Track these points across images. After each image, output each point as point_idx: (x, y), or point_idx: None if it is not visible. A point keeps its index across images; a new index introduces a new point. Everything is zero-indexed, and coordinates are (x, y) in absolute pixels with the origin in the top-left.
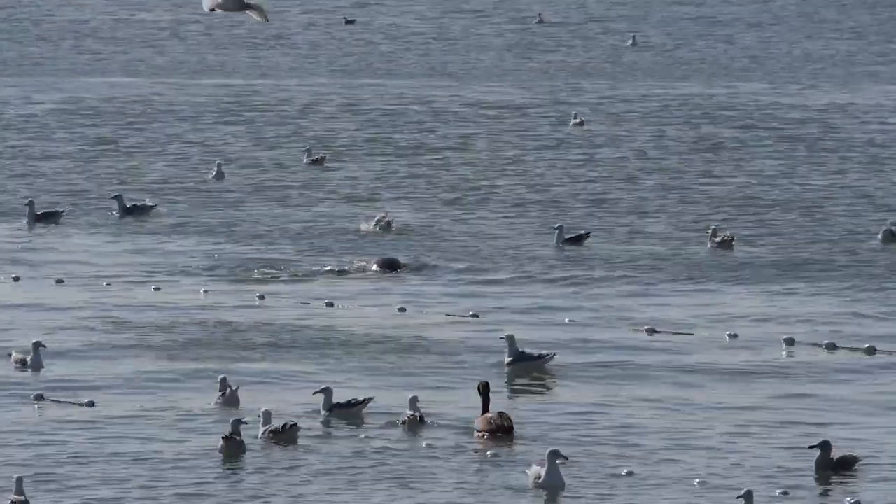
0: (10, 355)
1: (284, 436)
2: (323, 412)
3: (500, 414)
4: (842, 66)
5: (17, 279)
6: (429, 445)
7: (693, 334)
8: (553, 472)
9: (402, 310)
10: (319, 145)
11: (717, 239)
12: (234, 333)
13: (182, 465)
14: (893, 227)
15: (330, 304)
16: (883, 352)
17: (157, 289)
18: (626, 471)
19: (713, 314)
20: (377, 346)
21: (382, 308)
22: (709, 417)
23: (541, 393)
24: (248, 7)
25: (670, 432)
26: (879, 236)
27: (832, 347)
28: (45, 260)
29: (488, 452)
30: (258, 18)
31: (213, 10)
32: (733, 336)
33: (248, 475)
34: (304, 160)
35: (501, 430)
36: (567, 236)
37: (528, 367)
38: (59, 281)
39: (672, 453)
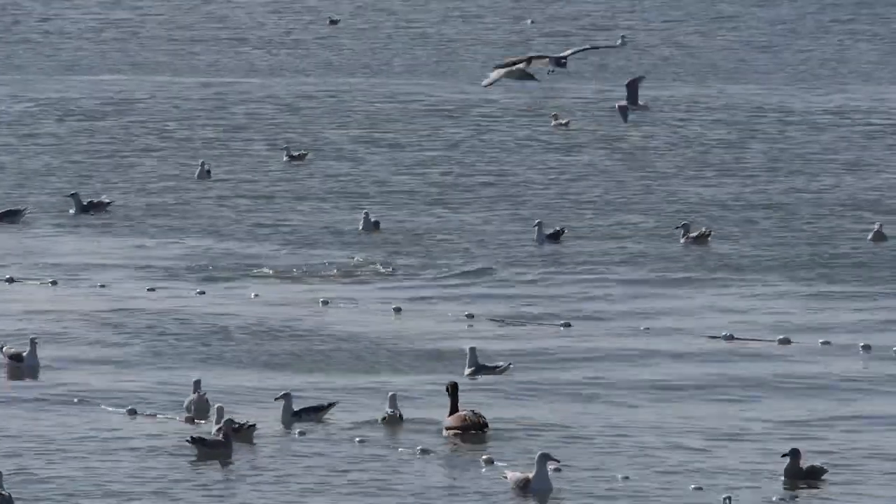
0: (1, 348)
1: (240, 435)
2: (283, 418)
3: (474, 412)
4: (831, 67)
5: (11, 280)
6: (404, 447)
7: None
8: (542, 475)
9: (398, 310)
10: (302, 143)
11: (693, 234)
12: (224, 333)
13: (157, 465)
14: (883, 229)
15: (325, 303)
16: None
17: (151, 289)
18: (621, 476)
19: (705, 313)
20: (367, 345)
21: (375, 308)
22: (705, 420)
23: (526, 395)
24: (530, 76)
25: (665, 436)
26: (870, 236)
27: (827, 345)
28: (10, 260)
29: (463, 454)
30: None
31: (492, 84)
32: (729, 337)
33: (219, 476)
34: (284, 157)
35: (476, 427)
36: (546, 232)
37: (489, 377)
38: (54, 283)
39: (666, 455)
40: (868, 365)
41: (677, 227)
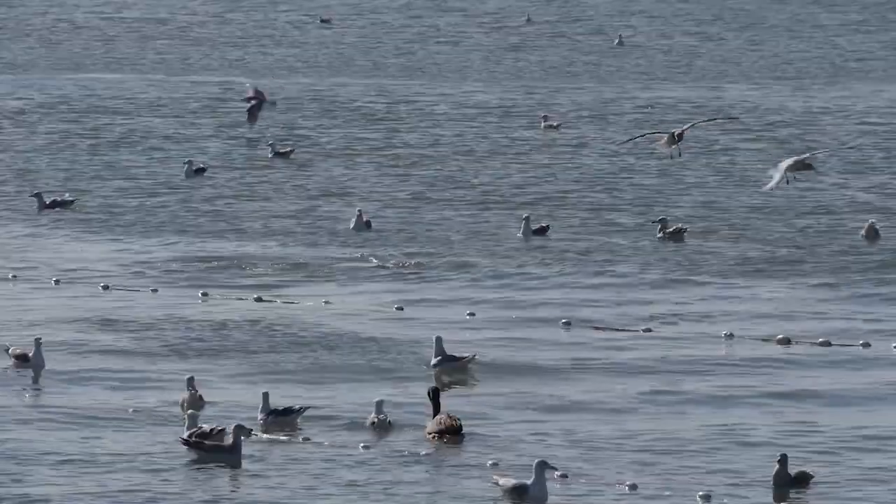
0: (7, 350)
1: (212, 439)
2: (260, 416)
3: (449, 416)
4: (825, 66)
5: (15, 277)
6: (390, 451)
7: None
8: (540, 483)
9: (400, 308)
10: (289, 141)
11: (669, 230)
12: (224, 334)
13: (147, 467)
14: (876, 225)
15: (327, 302)
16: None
17: (154, 290)
18: (627, 483)
19: (704, 309)
20: (369, 345)
21: (377, 307)
22: (705, 422)
23: (528, 397)
24: (809, 166)
25: (666, 439)
26: (863, 233)
27: (826, 345)
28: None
29: (449, 459)
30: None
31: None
32: (729, 336)
33: (202, 480)
34: (269, 154)
35: (450, 431)
36: (532, 227)
37: (454, 368)
38: (57, 282)
39: (668, 461)
40: (865, 365)
41: (654, 222)
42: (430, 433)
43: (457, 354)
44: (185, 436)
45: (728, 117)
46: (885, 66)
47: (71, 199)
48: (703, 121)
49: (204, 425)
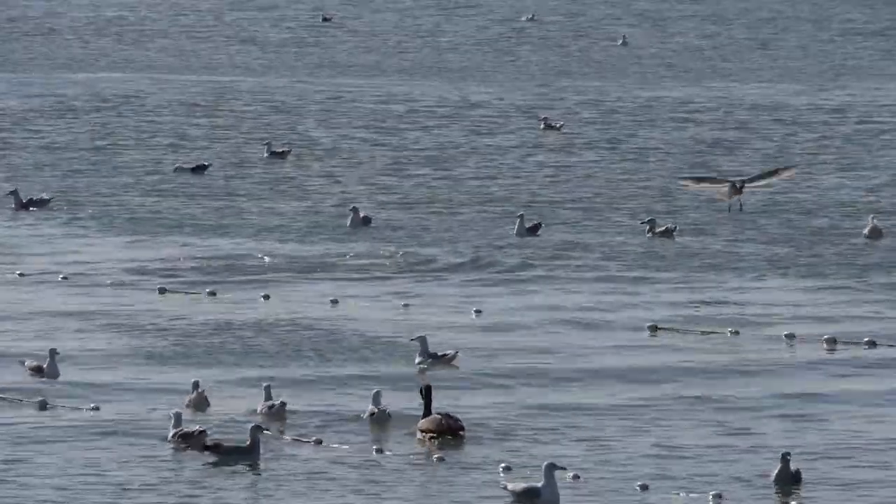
0: (23, 363)
1: (194, 440)
2: (261, 407)
3: (448, 415)
4: (829, 65)
5: (21, 275)
6: (398, 452)
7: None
8: (550, 485)
9: (406, 306)
10: (290, 141)
11: (659, 230)
12: (230, 334)
13: (154, 471)
14: (878, 225)
15: (335, 301)
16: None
17: (162, 290)
18: (638, 483)
19: (706, 309)
20: (376, 344)
21: (383, 305)
22: (714, 421)
23: (535, 400)
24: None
25: (676, 439)
26: (866, 231)
27: (832, 343)
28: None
29: (458, 462)
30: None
31: None
32: (735, 333)
33: (209, 481)
34: (265, 154)
35: (451, 432)
36: (526, 225)
37: (438, 366)
38: (65, 277)
39: (679, 461)
40: (870, 364)
41: (643, 223)
42: (424, 431)
43: (439, 353)
44: (169, 435)
45: (789, 166)
46: (887, 64)
47: (48, 197)
48: (766, 172)
49: (186, 427)
